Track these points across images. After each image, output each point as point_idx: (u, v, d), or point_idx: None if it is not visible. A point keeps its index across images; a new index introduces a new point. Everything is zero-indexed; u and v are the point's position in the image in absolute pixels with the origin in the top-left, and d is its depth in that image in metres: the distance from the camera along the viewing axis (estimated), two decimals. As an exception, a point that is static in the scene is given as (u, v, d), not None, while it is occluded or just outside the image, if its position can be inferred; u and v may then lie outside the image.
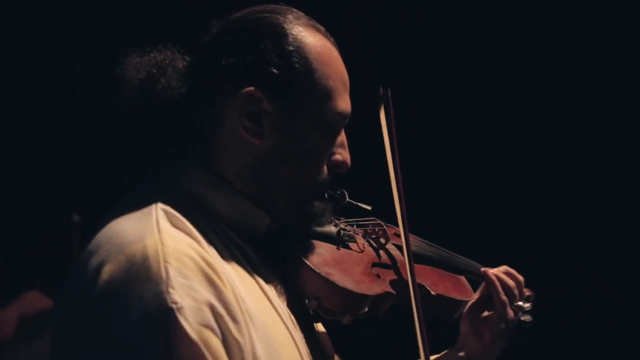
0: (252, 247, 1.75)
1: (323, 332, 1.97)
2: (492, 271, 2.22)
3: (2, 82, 3.18)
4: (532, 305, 2.34)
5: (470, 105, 3.74)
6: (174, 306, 1.50)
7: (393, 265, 2.02)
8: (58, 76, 3.10)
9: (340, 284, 1.80)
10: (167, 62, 1.77)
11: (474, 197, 3.73)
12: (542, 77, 3.72)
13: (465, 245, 2.32)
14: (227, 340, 1.55)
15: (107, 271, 1.54)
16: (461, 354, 2.18)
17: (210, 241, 1.65)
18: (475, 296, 2.26)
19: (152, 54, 1.78)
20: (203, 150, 1.75)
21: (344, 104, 1.78)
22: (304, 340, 1.75)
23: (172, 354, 1.49)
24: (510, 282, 2.22)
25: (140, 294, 1.51)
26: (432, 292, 2.03)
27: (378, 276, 1.94)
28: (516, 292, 2.23)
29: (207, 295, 1.55)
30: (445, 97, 3.71)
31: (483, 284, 2.26)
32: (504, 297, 2.18)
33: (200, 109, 1.74)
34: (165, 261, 1.53)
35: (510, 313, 2.19)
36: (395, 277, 1.99)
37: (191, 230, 1.62)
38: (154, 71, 1.75)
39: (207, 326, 1.53)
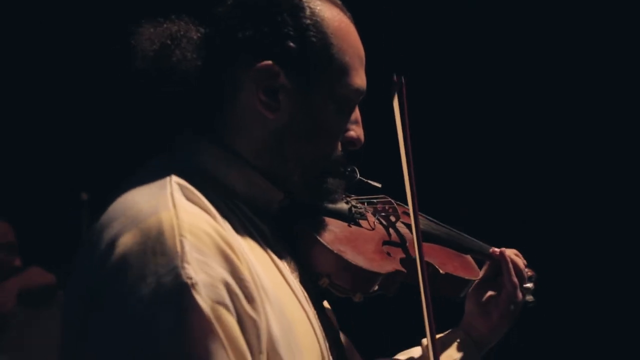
0: (265, 223, 1.73)
1: (328, 309, 1.96)
2: (507, 252, 2.22)
3: (12, 61, 3.17)
4: (534, 285, 2.34)
5: (481, 93, 3.75)
6: (188, 281, 1.48)
7: (402, 243, 2.01)
8: (69, 52, 3.07)
9: (353, 262, 1.79)
10: (181, 33, 1.74)
11: (482, 181, 3.72)
12: (551, 58, 3.73)
13: (471, 225, 2.33)
14: (242, 318, 1.53)
15: (122, 244, 1.52)
16: (466, 333, 2.18)
17: (225, 216, 1.63)
18: (480, 275, 2.25)
19: (165, 25, 1.75)
20: (218, 125, 1.73)
21: (360, 79, 1.77)
22: (316, 316, 1.74)
23: (184, 329, 1.48)
24: (521, 264, 2.23)
25: (155, 268, 1.49)
26: (441, 271, 2.02)
27: (389, 254, 1.93)
28: (525, 274, 2.24)
29: (222, 271, 1.52)
30: (458, 84, 3.72)
31: (488, 264, 2.27)
32: (515, 279, 2.19)
33: (215, 82, 1.71)
34: (181, 235, 1.51)
35: (520, 295, 2.19)
36: (404, 255, 1.98)
37: (206, 204, 1.60)
38: (168, 42, 1.72)
39: (221, 303, 1.50)
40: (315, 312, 1.74)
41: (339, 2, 1.80)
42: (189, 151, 1.72)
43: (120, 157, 2.57)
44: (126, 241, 1.52)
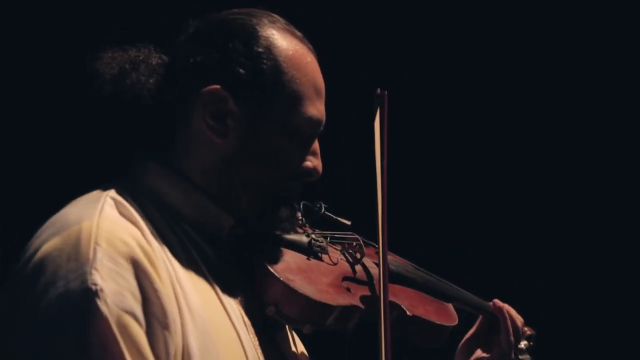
0: (212, 247, 1.74)
1: (292, 342, 1.93)
2: (506, 308, 2.18)
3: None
4: (532, 345, 2.29)
5: (478, 95, 3.73)
6: (93, 287, 1.50)
7: (369, 282, 1.98)
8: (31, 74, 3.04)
9: (300, 291, 1.78)
10: (140, 58, 1.78)
11: (481, 183, 3.70)
12: (530, 98, 3.72)
13: (469, 227, 2.28)
14: (151, 328, 1.54)
15: (42, 251, 1.56)
16: None
17: (161, 234, 1.65)
18: (471, 331, 2.24)
19: (129, 52, 1.79)
20: (169, 148, 1.76)
21: (315, 110, 1.77)
22: (256, 344, 1.73)
23: (87, 334, 1.49)
24: (518, 322, 2.19)
25: (66, 273, 1.52)
26: (409, 313, 1.97)
27: (348, 290, 1.91)
28: (521, 332, 2.20)
29: (134, 282, 1.54)
30: (452, 87, 3.69)
31: (481, 318, 2.24)
32: (512, 338, 2.16)
33: (168, 106, 1.75)
34: (96, 243, 1.54)
35: (512, 355, 2.17)
36: (368, 293, 1.95)
37: (137, 219, 1.62)
38: (127, 67, 1.76)
39: (128, 312, 1.51)
40: (256, 339, 1.73)
41: (299, 34, 1.82)
42: (140, 172, 1.75)
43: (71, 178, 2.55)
44: (47, 247, 1.56)
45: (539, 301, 3.60)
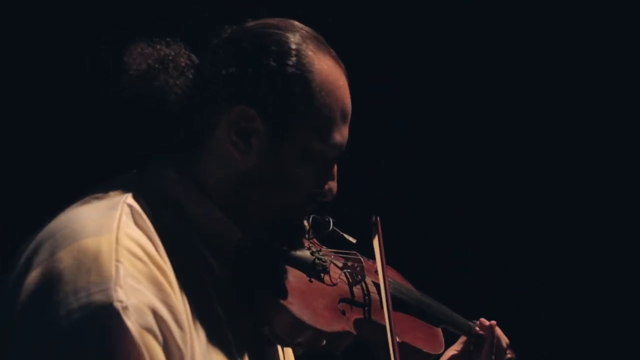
0: (218, 260, 1.73)
1: (281, 354, 1.94)
2: (489, 326, 2.17)
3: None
4: None
5: (481, 96, 3.72)
6: (119, 304, 1.49)
7: (365, 304, 1.98)
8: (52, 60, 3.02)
9: (297, 315, 1.77)
10: (170, 57, 1.74)
11: (481, 183, 3.71)
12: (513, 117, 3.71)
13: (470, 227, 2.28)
14: (168, 347, 1.54)
15: (58, 258, 1.53)
16: None
17: (173, 246, 1.63)
18: (456, 349, 2.23)
19: (158, 47, 1.75)
20: (190, 155, 1.73)
21: (340, 136, 1.74)
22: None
23: (111, 350, 1.48)
24: (503, 343, 2.19)
25: (87, 285, 1.50)
26: (397, 339, 1.95)
27: (343, 312, 1.90)
28: (504, 354, 2.20)
29: (153, 299, 1.53)
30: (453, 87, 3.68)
31: (465, 339, 2.24)
32: (493, 357, 2.16)
33: (194, 112, 1.71)
34: (117, 260, 1.52)
35: None
36: (361, 316, 1.95)
37: (152, 232, 1.61)
38: (156, 65, 1.72)
39: (149, 329, 1.51)
40: (248, 356, 1.73)
41: (333, 52, 1.77)
42: (157, 175, 1.72)
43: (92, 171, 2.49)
44: (63, 255, 1.53)
45: (539, 301, 3.61)
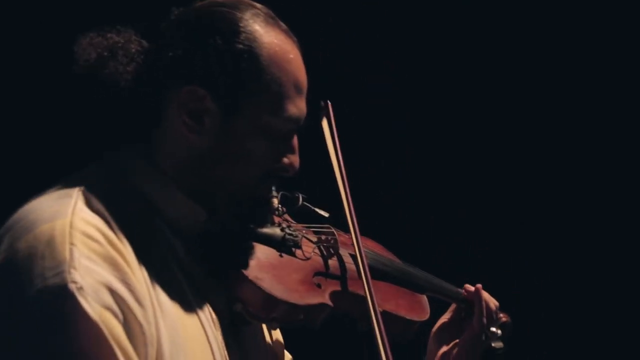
0: (184, 243, 1.73)
1: (264, 333, 1.95)
2: (476, 289, 2.18)
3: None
4: (507, 332, 2.29)
5: (479, 94, 3.71)
6: (73, 285, 1.49)
7: (341, 276, 1.97)
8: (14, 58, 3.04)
9: (267, 290, 1.77)
10: (120, 44, 1.74)
11: (480, 183, 3.69)
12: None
13: (469, 227, 2.28)
14: (129, 323, 1.54)
15: (14, 248, 1.55)
16: None
17: (132, 230, 1.63)
18: (444, 318, 2.23)
19: (108, 35, 1.76)
20: (146, 140, 1.73)
21: (295, 108, 1.73)
22: (220, 340, 1.73)
23: (70, 333, 1.49)
24: (492, 306, 2.19)
25: (41, 270, 1.50)
26: (378, 309, 1.93)
27: (319, 286, 1.90)
28: (494, 317, 2.19)
29: (110, 277, 1.54)
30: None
31: (454, 306, 2.24)
32: (485, 320, 2.15)
33: (146, 98, 1.71)
34: (71, 243, 1.53)
35: (483, 337, 2.15)
36: (338, 288, 1.94)
37: (109, 217, 1.61)
38: (105, 54, 1.72)
39: (107, 308, 1.52)
40: (221, 335, 1.73)
41: (283, 26, 1.77)
42: (116, 162, 1.73)
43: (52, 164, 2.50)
44: (18, 246, 1.54)
45: (539, 301, 3.58)
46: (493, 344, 2.21)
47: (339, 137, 1.94)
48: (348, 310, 1.98)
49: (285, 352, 2.08)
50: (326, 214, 2.04)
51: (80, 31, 1.76)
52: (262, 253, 1.83)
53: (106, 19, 1.79)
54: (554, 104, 3.67)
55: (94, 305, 1.50)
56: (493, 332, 2.18)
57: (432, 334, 2.21)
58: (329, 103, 1.96)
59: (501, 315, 2.29)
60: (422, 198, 3.64)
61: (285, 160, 1.77)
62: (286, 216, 2.02)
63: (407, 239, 3.38)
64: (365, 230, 2.13)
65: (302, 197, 2.02)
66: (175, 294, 1.66)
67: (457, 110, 3.66)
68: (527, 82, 3.67)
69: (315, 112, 1.94)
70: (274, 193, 1.95)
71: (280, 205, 1.97)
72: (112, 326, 1.51)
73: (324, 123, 1.95)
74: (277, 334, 2.05)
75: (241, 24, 1.70)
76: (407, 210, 3.53)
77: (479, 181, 3.66)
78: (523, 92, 3.67)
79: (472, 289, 2.19)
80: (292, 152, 1.78)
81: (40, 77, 2.78)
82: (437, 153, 3.69)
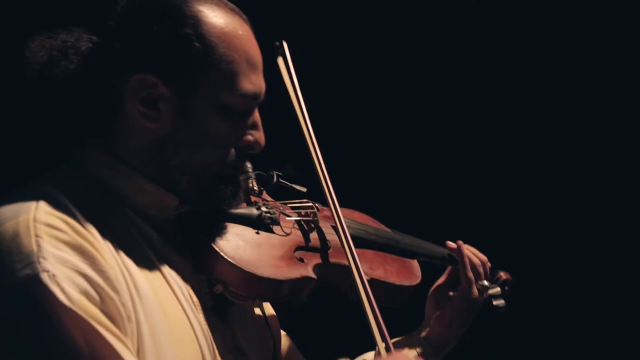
0: (158, 229, 1.73)
1: (266, 316, 1.95)
2: (463, 246, 2.19)
3: None
4: (508, 290, 2.31)
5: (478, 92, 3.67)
6: (45, 275, 1.50)
7: (324, 248, 1.97)
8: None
9: (245, 268, 1.77)
10: (69, 43, 1.74)
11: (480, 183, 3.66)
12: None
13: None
14: (106, 305, 1.55)
15: None
16: (422, 335, 2.16)
17: (104, 223, 1.64)
18: (439, 280, 2.24)
19: (60, 35, 1.76)
20: (107, 134, 1.74)
21: (249, 84, 1.73)
22: (203, 323, 1.73)
23: (50, 320, 1.49)
24: (476, 260, 2.19)
25: (11, 265, 1.51)
26: (365, 277, 1.91)
27: (301, 260, 1.90)
28: (481, 270, 2.19)
29: (80, 264, 1.55)
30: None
31: (450, 268, 2.25)
32: (470, 274, 2.16)
33: (99, 92, 1.72)
34: (37, 235, 1.54)
35: (475, 292, 2.16)
36: (321, 260, 1.94)
37: (74, 210, 1.62)
38: (55, 54, 1.73)
39: (83, 292, 1.53)
40: (203, 316, 1.73)
41: (231, 5, 1.77)
42: (80, 159, 1.74)
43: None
44: None
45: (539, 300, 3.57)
46: (494, 302, 2.22)
47: (297, 75, 1.94)
48: (335, 282, 1.98)
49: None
50: (303, 189, 2.04)
51: (31, 33, 1.77)
52: (238, 233, 1.83)
53: (57, 19, 1.80)
54: (551, 104, 3.66)
55: (69, 291, 1.51)
56: (484, 286, 2.17)
57: (428, 297, 2.21)
58: (284, 42, 1.96)
59: (501, 273, 2.31)
60: (423, 198, 3.61)
61: (249, 137, 1.77)
62: (265, 195, 2.03)
63: (396, 204, 3.38)
64: (349, 196, 2.14)
65: (277, 175, 2.02)
66: (153, 280, 1.67)
67: (456, 110, 3.64)
68: (524, 82, 3.65)
69: (271, 55, 1.95)
70: (250, 173, 1.96)
71: (256, 185, 1.99)
72: (90, 309, 1.52)
73: (280, 61, 1.94)
74: (270, 309, 2.04)
75: (185, 7, 1.70)
76: (407, 210, 3.47)
77: (477, 181, 3.64)
78: (521, 91, 3.65)
79: (454, 245, 2.20)
80: (255, 128, 1.78)
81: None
82: (436, 152, 3.66)
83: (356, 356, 2.17)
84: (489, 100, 3.64)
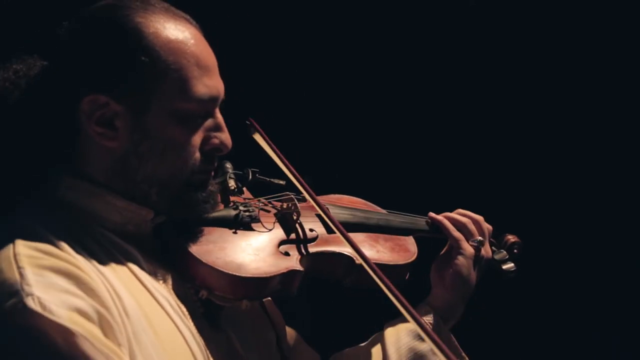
0: (137, 245, 1.72)
1: (246, 315, 1.93)
2: (441, 215, 2.17)
3: None
4: (517, 252, 2.28)
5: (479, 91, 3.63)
6: (30, 299, 1.49)
7: (309, 239, 1.95)
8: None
9: (225, 270, 1.76)
10: (21, 73, 1.74)
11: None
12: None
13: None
14: (100, 321, 1.55)
15: None
16: (428, 304, 2.12)
17: (83, 246, 1.64)
18: (443, 250, 2.18)
19: (12, 65, 1.76)
20: (72, 157, 1.73)
21: (204, 88, 1.71)
22: (194, 330, 1.72)
23: (43, 343, 1.48)
24: (463, 219, 2.17)
25: None
26: (356, 261, 1.94)
27: (286, 254, 1.88)
28: (472, 227, 2.16)
29: (67, 285, 1.54)
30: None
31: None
32: (456, 233, 2.14)
33: (55, 117, 1.71)
34: (20, 267, 1.54)
35: (467, 247, 2.12)
36: (308, 250, 1.92)
37: (52, 238, 1.61)
38: (7, 85, 1.73)
39: (76, 310, 1.52)
40: (194, 325, 1.72)
41: (179, 12, 1.75)
42: (51, 186, 1.73)
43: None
44: None
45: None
46: (503, 267, 2.20)
47: (275, 143, 1.97)
48: (327, 270, 1.97)
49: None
50: (282, 182, 2.03)
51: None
52: (216, 236, 1.82)
53: (10, 48, 1.79)
54: (551, 103, 3.59)
55: (60, 310, 1.50)
56: (479, 241, 2.13)
57: (433, 266, 2.17)
58: (252, 120, 1.97)
59: (509, 237, 2.29)
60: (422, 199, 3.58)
61: (214, 140, 1.76)
62: (247, 193, 2.02)
63: (394, 184, 3.36)
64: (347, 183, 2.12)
65: (254, 172, 2.03)
66: (138, 296, 1.66)
67: (456, 110, 3.61)
68: (524, 82, 3.59)
69: (244, 132, 1.96)
70: (229, 173, 1.98)
71: (236, 184, 1.99)
72: (84, 323, 1.52)
73: (257, 137, 1.95)
74: (271, 303, 2.03)
75: (125, 21, 1.68)
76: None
77: (478, 181, 3.57)
78: (521, 91, 3.59)
79: (432, 216, 2.18)
80: (219, 129, 1.76)
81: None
82: (436, 152, 3.61)
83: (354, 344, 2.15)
84: (488, 100, 3.60)
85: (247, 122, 1.96)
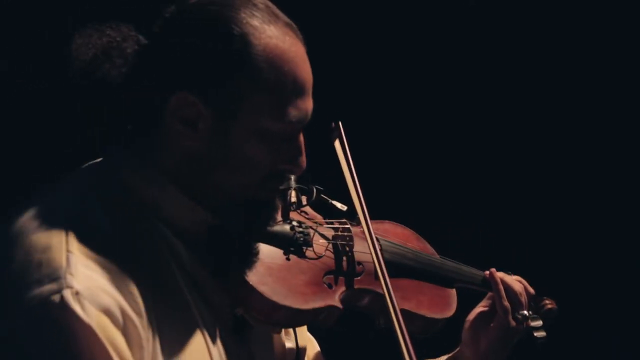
0: (186, 243, 1.69)
1: (273, 336, 1.90)
2: (498, 274, 2.12)
3: None
4: (550, 320, 2.22)
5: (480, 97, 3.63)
6: (69, 291, 1.49)
7: (356, 273, 1.91)
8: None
9: (267, 296, 1.74)
10: (114, 44, 1.68)
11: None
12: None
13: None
14: (127, 328, 1.54)
15: (9, 257, 1.54)
16: None
17: (130, 235, 1.63)
18: (481, 305, 2.15)
19: (106, 32, 1.69)
20: (144, 143, 1.70)
21: (296, 111, 1.65)
22: (219, 344, 1.70)
23: (66, 338, 1.49)
24: (517, 288, 2.12)
25: (39, 277, 1.51)
26: (397, 307, 1.85)
27: (329, 286, 1.85)
28: (522, 299, 2.11)
29: (106, 284, 1.54)
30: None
31: (490, 294, 2.15)
32: (506, 303, 2.09)
33: (141, 101, 1.67)
34: (68, 251, 1.53)
35: (512, 321, 2.08)
36: (352, 287, 1.89)
37: (103, 223, 1.61)
38: (99, 54, 1.66)
39: (106, 312, 1.52)
40: (221, 338, 1.71)
41: (285, 19, 1.68)
42: (114, 166, 1.70)
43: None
44: (14, 254, 1.54)
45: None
46: (535, 334, 2.15)
47: (352, 155, 1.92)
48: (364, 307, 1.94)
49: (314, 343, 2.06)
50: (344, 207, 1.98)
51: (76, 27, 1.71)
52: (267, 255, 1.79)
53: (104, 15, 1.74)
54: (550, 104, 3.59)
55: (91, 309, 1.50)
56: (524, 316, 2.09)
57: (467, 323, 2.13)
58: (340, 123, 1.92)
59: (547, 301, 2.23)
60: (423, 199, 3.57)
61: (290, 162, 1.71)
62: (307, 208, 1.98)
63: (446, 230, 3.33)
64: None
65: (318, 190, 1.95)
66: (174, 303, 1.64)
67: (455, 110, 3.60)
68: (524, 81, 3.59)
69: (326, 133, 1.93)
70: (292, 184, 1.89)
71: (296, 199, 1.91)
72: (109, 329, 1.51)
73: (337, 144, 1.91)
74: (302, 328, 1.99)
75: (234, 25, 1.61)
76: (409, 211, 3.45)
77: (477, 181, 3.59)
78: (521, 91, 3.60)
79: (494, 272, 2.13)
80: (298, 152, 1.71)
81: (36, 77, 2.72)
82: (436, 151, 3.62)
83: None
84: (488, 99, 3.59)
85: (333, 124, 1.91)
